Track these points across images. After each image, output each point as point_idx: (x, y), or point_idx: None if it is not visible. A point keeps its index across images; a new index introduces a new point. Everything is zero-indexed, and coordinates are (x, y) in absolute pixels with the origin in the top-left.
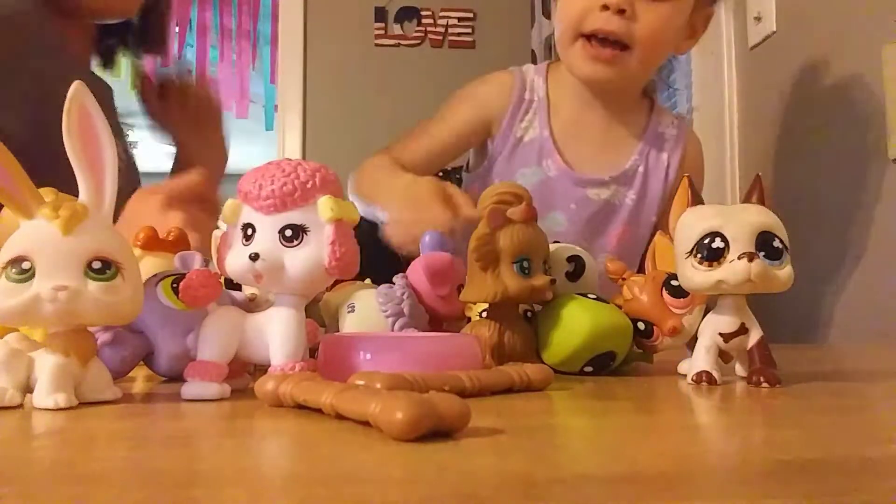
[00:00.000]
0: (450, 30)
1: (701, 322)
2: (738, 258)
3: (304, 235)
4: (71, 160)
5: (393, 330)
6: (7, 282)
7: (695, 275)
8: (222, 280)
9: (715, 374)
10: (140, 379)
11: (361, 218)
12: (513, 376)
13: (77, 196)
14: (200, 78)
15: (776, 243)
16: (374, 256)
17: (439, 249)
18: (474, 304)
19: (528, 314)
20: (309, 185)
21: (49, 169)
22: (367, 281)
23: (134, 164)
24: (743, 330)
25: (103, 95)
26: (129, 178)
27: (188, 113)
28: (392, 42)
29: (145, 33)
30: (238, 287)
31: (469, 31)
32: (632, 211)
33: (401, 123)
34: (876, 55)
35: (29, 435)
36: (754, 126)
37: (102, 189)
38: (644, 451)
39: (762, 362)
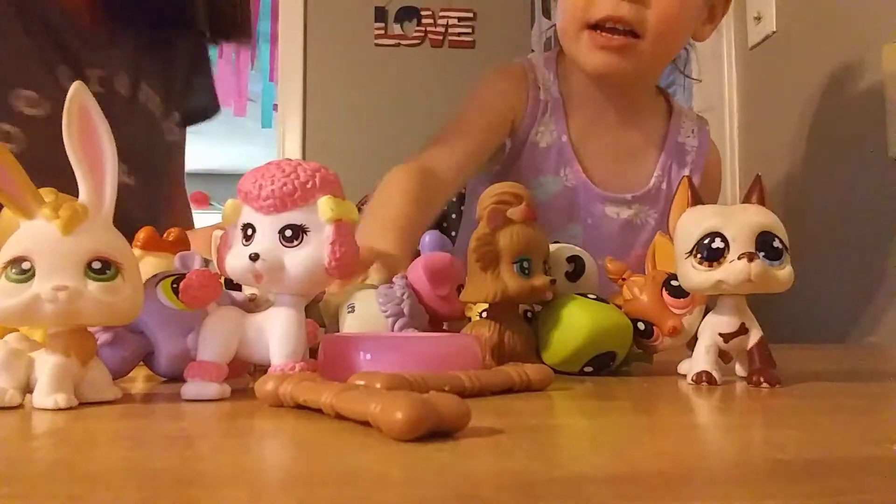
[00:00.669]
0: (450, 30)
1: (701, 322)
2: (738, 258)
3: (304, 235)
4: (71, 160)
5: (393, 330)
6: (7, 282)
7: (695, 275)
8: (222, 280)
9: (715, 374)
10: (140, 379)
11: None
12: (513, 376)
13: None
14: None
15: (776, 243)
16: None
17: (439, 249)
18: (474, 304)
19: (528, 314)
20: (309, 186)
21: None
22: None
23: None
24: (743, 330)
25: None
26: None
27: None
28: (392, 42)
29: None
30: (238, 287)
31: (469, 30)
32: (655, 231)
33: (401, 123)
34: (876, 55)
35: (29, 435)
36: (754, 126)
37: (102, 189)
38: (644, 451)
39: (762, 362)
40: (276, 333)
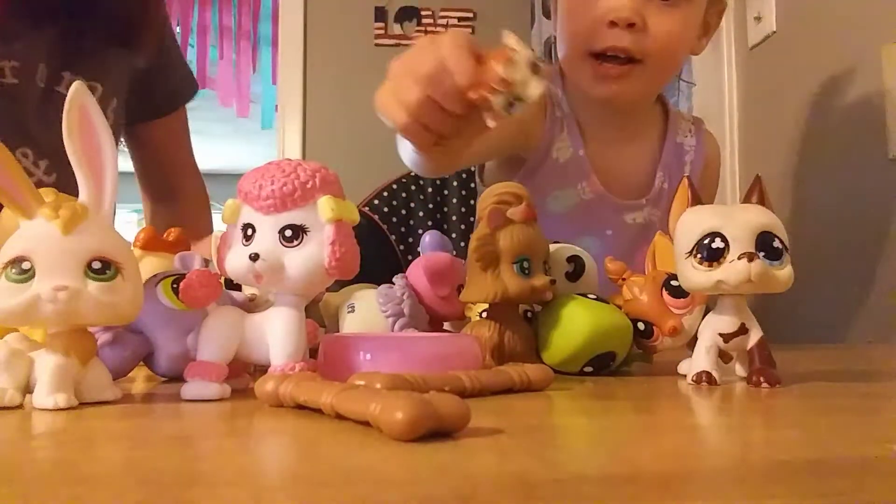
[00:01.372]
0: (450, 30)
1: (701, 322)
2: (738, 258)
3: (304, 235)
4: (71, 160)
5: (393, 330)
6: (7, 282)
7: (695, 275)
8: (222, 280)
9: (715, 374)
10: (140, 379)
11: (361, 218)
12: (513, 376)
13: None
14: None
15: (776, 243)
16: (374, 256)
17: (439, 249)
18: (474, 304)
19: (528, 314)
20: (309, 185)
21: None
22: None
23: None
24: (743, 330)
25: None
26: None
27: None
28: (392, 42)
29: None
30: (238, 287)
31: (469, 31)
32: (657, 229)
33: None
34: (876, 55)
35: (29, 435)
36: (754, 126)
37: (102, 189)
38: (644, 451)
39: (762, 362)
40: (276, 333)
